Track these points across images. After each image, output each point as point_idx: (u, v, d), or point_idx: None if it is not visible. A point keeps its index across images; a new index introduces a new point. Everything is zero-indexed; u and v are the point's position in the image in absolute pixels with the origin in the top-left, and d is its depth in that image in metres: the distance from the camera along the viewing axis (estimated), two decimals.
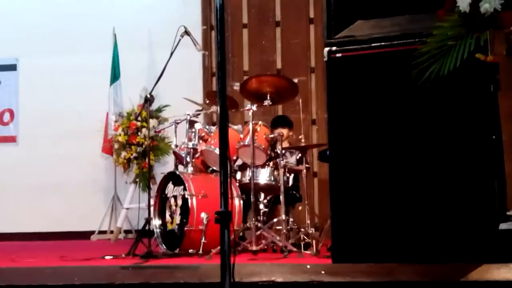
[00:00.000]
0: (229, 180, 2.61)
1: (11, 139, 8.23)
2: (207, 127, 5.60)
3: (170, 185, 5.27)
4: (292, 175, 5.40)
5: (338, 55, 3.66)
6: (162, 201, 5.31)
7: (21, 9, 8.27)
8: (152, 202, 5.31)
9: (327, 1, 3.73)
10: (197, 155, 5.43)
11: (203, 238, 4.80)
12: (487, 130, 3.35)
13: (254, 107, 5.19)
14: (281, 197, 5.03)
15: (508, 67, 3.09)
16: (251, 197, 4.99)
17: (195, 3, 7.89)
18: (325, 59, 3.69)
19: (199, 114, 6.00)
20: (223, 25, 2.71)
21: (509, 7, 2.78)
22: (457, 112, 3.42)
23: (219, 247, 2.65)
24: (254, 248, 4.75)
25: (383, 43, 3.56)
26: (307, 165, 5.30)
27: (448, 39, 2.94)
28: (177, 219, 5.10)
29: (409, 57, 3.14)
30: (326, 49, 3.68)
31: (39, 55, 8.13)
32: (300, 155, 5.49)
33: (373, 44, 3.58)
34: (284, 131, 5.75)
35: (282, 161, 5.13)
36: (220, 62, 2.69)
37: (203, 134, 5.46)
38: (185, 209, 5.00)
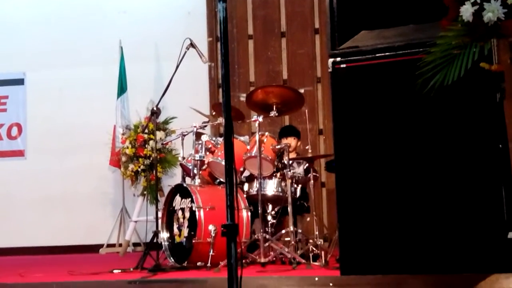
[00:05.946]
0: (235, 192, 2.60)
1: (19, 153, 8.26)
2: (213, 138, 5.58)
3: (178, 198, 5.25)
4: (300, 185, 5.38)
5: (343, 65, 3.67)
6: (169, 214, 5.29)
7: (28, 24, 8.32)
8: (160, 214, 5.30)
9: (330, 12, 3.74)
10: (204, 167, 5.42)
11: (211, 251, 4.78)
12: (493, 139, 3.35)
13: (261, 118, 5.18)
14: (289, 208, 5.02)
15: None
16: (259, 208, 4.99)
17: (200, 15, 7.93)
18: (330, 70, 3.70)
19: (205, 126, 5.99)
20: (227, 38, 2.72)
21: None
22: (463, 121, 3.42)
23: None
24: (262, 260, 4.74)
25: (387, 53, 3.57)
26: (315, 174, 5.28)
27: (452, 49, 2.93)
28: (185, 231, 5.08)
29: (413, 67, 3.14)
30: (331, 60, 3.70)
31: (46, 69, 8.18)
32: (307, 165, 5.48)
33: (377, 55, 3.59)
34: (292, 141, 5.74)
35: (289, 172, 5.12)
36: (225, 75, 2.70)
37: (209, 146, 5.45)
38: (193, 222, 4.98)
